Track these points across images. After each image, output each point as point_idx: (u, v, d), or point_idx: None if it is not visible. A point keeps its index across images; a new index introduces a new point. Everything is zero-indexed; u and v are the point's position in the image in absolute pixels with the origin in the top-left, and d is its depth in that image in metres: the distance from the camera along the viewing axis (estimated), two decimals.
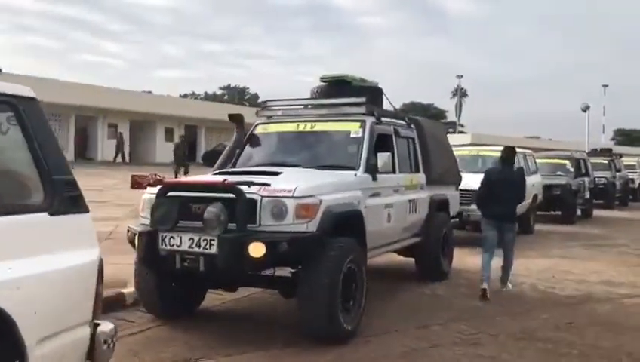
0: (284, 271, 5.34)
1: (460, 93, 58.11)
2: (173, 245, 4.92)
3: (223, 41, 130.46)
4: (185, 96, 67.45)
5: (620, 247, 12.11)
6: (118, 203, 14.44)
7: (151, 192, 5.28)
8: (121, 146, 34.90)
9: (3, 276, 2.47)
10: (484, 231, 7.48)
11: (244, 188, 4.81)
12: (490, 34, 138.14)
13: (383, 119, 6.78)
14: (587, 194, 17.58)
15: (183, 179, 5.39)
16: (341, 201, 5.37)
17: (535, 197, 13.74)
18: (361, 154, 6.18)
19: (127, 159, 35.15)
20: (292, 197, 4.89)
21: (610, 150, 27.65)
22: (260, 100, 54.12)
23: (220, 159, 6.77)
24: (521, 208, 9.04)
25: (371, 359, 4.92)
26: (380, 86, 7.59)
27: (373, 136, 6.41)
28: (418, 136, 7.81)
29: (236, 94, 73.28)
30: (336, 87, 7.16)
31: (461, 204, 9.88)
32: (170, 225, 4.92)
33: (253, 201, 4.89)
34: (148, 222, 5.14)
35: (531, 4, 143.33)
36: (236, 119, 6.91)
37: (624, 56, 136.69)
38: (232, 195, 4.82)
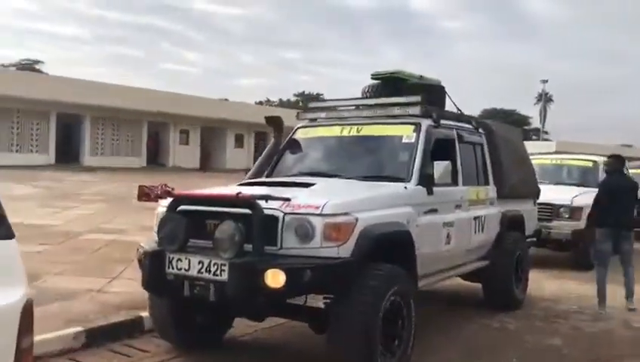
0: (317, 301, 4.45)
1: (544, 98, 55.07)
2: (181, 269, 4.15)
3: (298, 48, 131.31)
4: (260, 103, 67.87)
5: None
6: None
7: (164, 206, 4.54)
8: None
9: None
10: (598, 244, 7.15)
11: (261, 203, 3.98)
12: (576, 36, 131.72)
13: (442, 122, 5.79)
14: None
15: (196, 191, 4.57)
16: (384, 220, 4.44)
17: None
18: (413, 162, 5.22)
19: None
20: (320, 214, 4.01)
21: None
22: None
23: (254, 167, 5.99)
24: None
25: None
26: (442, 84, 6.58)
27: (429, 141, 5.42)
28: (487, 142, 6.74)
29: (310, 101, 73.02)
30: (391, 85, 6.21)
31: (540, 219, 8.68)
32: (178, 244, 4.15)
33: (273, 219, 4.05)
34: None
35: (619, 3, 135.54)
36: (274, 122, 6.11)
37: None
38: (248, 211, 4.00)
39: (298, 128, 6.16)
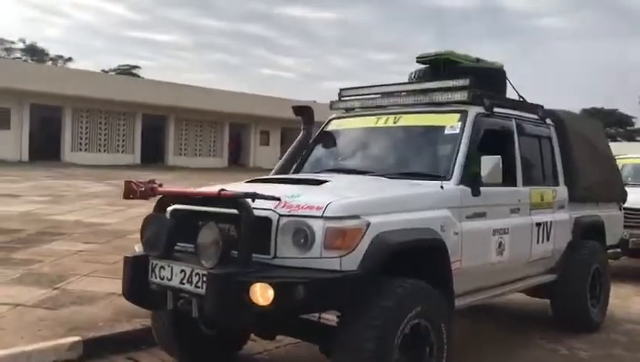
0: (331, 318, 3.74)
1: None
2: (163, 278, 3.58)
3: (391, 50, 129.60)
4: None
5: None
6: None
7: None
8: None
9: None
10: None
11: (255, 202, 3.32)
12: None
13: (497, 111, 4.90)
14: None
15: (179, 188, 3.97)
16: (408, 225, 3.65)
17: None
18: (456, 157, 4.38)
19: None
20: (322, 217, 3.30)
21: None
22: None
23: (279, 163, 5.34)
24: None
25: None
26: (504, 69, 5.66)
27: (478, 132, 4.56)
28: (558, 135, 5.75)
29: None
30: (440, 69, 5.37)
31: (629, 227, 7.51)
32: (161, 249, 3.57)
33: (266, 221, 3.38)
34: None
35: None
36: (303, 113, 5.44)
37: None
38: (235, 212, 3.35)
39: (331, 119, 5.45)
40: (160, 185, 3.75)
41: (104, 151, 30.64)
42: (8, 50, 55.53)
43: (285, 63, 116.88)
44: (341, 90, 5.51)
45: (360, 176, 4.51)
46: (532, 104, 5.63)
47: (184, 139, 33.96)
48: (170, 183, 20.83)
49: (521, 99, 5.57)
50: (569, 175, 5.73)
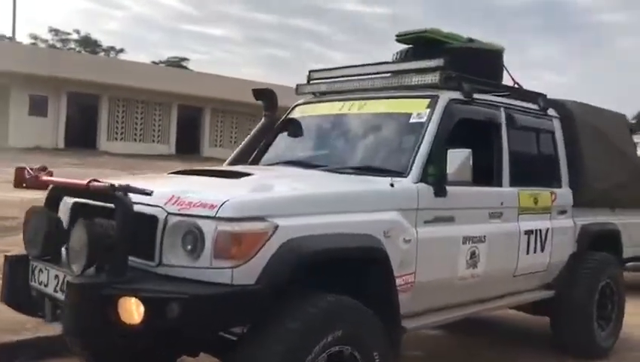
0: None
1: None
2: (41, 283, 3.03)
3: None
4: None
5: None
6: None
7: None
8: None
9: None
10: None
11: (155, 198, 2.73)
12: None
13: (480, 97, 4.17)
14: None
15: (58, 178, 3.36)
16: (336, 230, 2.99)
17: None
18: (416, 150, 3.68)
19: None
20: (214, 217, 2.68)
21: None
22: None
23: (235, 152, 4.74)
24: None
25: None
26: (501, 50, 4.87)
27: (450, 121, 3.84)
28: (564, 129, 4.95)
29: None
30: (426, 49, 4.63)
31: None
32: (39, 249, 3.02)
33: (153, 220, 2.78)
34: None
35: None
36: (264, 97, 4.81)
37: None
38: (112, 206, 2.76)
39: (296, 105, 4.81)
40: (48, 173, 3.19)
41: (139, 140, 30.70)
42: (64, 41, 56.69)
43: (336, 58, 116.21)
44: (310, 72, 4.85)
45: (303, 171, 3.88)
46: (531, 92, 4.84)
47: (219, 131, 33.77)
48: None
49: (517, 86, 4.79)
50: (575, 176, 4.93)
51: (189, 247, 2.70)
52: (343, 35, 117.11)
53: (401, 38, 4.72)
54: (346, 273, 3.11)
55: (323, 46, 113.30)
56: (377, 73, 4.40)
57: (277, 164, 4.30)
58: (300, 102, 4.81)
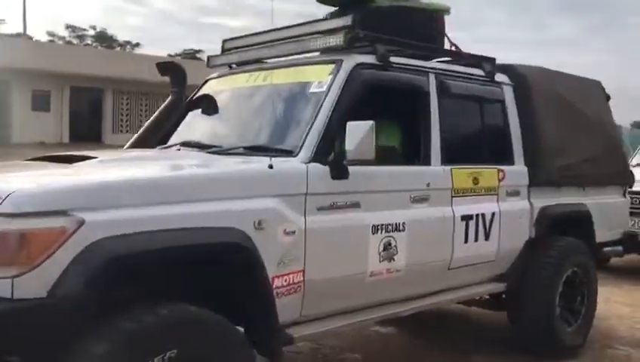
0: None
1: None
2: None
3: (462, 29, 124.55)
4: None
5: None
6: None
7: None
8: None
9: None
10: None
11: None
12: None
13: (401, 62, 3.57)
14: None
15: None
16: (179, 223, 2.43)
17: None
18: (310, 125, 3.10)
19: None
20: None
21: None
22: None
23: (138, 133, 4.20)
24: None
25: None
26: (444, 11, 4.23)
27: (356, 90, 3.25)
28: (518, 98, 4.31)
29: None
30: (355, 12, 4.01)
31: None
32: None
33: None
34: None
35: None
36: (171, 71, 4.25)
37: None
38: None
39: (207, 80, 4.25)
40: None
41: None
42: (80, 37, 56.54)
43: None
44: (224, 41, 4.28)
45: (180, 153, 3.35)
46: (476, 56, 4.21)
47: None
48: None
49: (455, 49, 4.16)
50: (532, 151, 4.30)
51: None
52: None
53: None
54: (203, 275, 2.57)
55: None
56: (288, 38, 3.81)
57: (174, 146, 3.75)
58: (212, 76, 4.25)
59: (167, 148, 3.75)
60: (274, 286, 2.75)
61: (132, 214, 2.32)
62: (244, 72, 3.92)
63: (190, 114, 4.13)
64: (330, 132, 3.08)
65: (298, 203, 2.88)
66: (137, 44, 58.37)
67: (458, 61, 4.15)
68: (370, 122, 2.98)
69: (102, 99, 28.88)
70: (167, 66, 4.26)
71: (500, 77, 4.25)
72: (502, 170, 4.07)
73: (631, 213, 5.63)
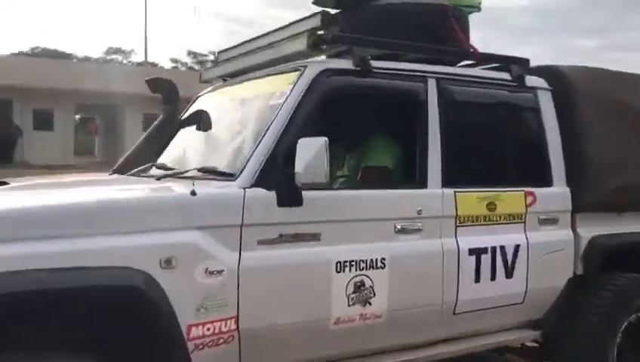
0: None
1: None
2: None
3: (594, 36, 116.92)
4: None
5: None
6: None
7: None
8: None
9: None
10: None
11: None
12: None
13: (385, 66, 3.01)
14: None
15: None
16: (40, 264, 2.04)
17: None
18: (258, 143, 2.63)
19: None
20: None
21: None
22: None
23: (127, 153, 3.90)
24: None
25: None
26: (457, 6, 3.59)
27: (318, 101, 2.74)
28: (560, 104, 3.56)
29: None
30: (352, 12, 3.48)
31: None
32: None
33: None
34: None
35: None
36: (162, 89, 3.93)
37: None
38: None
39: (198, 96, 3.90)
40: None
41: None
42: (201, 62, 58.85)
43: None
44: (219, 53, 3.93)
45: (114, 177, 3.10)
46: (496, 56, 3.53)
47: None
48: None
49: (473, 49, 3.49)
50: (579, 168, 3.52)
51: None
52: (483, 30, 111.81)
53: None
54: (103, 321, 2.18)
55: None
56: (267, 45, 3.36)
57: (152, 168, 3.42)
58: (205, 91, 3.90)
59: (142, 170, 3.42)
60: (190, 336, 2.30)
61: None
62: (224, 86, 3.54)
63: (180, 132, 3.80)
64: (281, 151, 2.59)
65: (230, 236, 2.42)
66: None
67: (480, 64, 3.51)
68: (323, 139, 2.46)
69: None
70: (159, 83, 3.96)
71: (533, 81, 3.53)
72: (532, 193, 3.34)
73: None
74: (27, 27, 79.63)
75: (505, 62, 3.50)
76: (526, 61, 3.57)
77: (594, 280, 3.51)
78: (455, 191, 3.05)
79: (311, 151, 2.45)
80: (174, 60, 52.54)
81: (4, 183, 2.63)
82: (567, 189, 3.48)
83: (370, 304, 2.74)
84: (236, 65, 3.54)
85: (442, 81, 3.15)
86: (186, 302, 2.27)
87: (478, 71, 3.39)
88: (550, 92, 3.57)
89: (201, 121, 3.49)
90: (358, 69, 2.88)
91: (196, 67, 58.33)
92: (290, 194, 2.52)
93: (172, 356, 2.23)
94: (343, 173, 3.42)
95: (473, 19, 3.68)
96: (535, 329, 3.42)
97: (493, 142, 3.38)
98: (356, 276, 2.70)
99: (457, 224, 3.05)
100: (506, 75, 3.45)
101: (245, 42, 3.68)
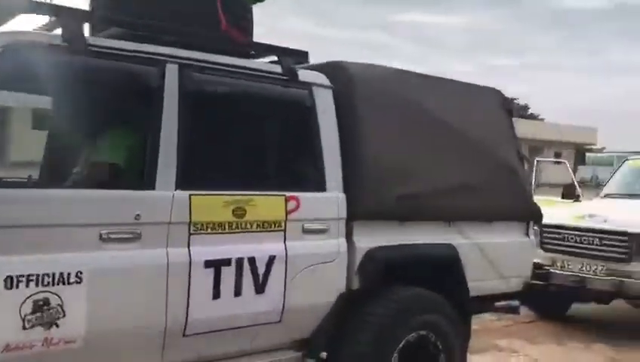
0: None
1: None
2: None
3: (511, 55, 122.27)
4: None
5: None
6: None
7: None
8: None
9: None
10: None
11: None
12: None
13: (112, 45, 2.58)
14: None
15: None
16: None
17: None
18: None
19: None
20: None
21: None
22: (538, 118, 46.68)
23: None
24: None
25: None
26: None
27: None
28: (342, 104, 3.25)
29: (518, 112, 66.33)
30: None
31: (608, 259, 5.08)
32: None
33: None
34: None
35: None
36: None
37: None
38: None
39: None
40: None
41: None
42: None
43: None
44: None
45: None
46: (268, 46, 3.18)
47: None
48: None
49: (234, 36, 3.11)
50: (357, 173, 3.22)
51: None
52: (411, 46, 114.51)
53: None
54: None
55: (392, 58, 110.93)
56: None
57: None
58: None
59: None
60: None
61: None
62: None
63: None
64: None
65: None
66: None
67: (256, 57, 3.16)
68: None
69: None
70: None
71: (309, 76, 3.21)
72: (294, 198, 2.99)
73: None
74: None
75: (277, 54, 3.16)
76: (303, 53, 3.24)
77: (371, 295, 3.22)
78: (190, 194, 2.65)
79: None
80: None
81: None
82: (342, 195, 3.17)
83: (57, 326, 2.28)
84: None
85: (187, 68, 2.75)
86: None
87: (240, 61, 3.01)
88: (331, 89, 3.25)
89: None
90: (65, 44, 2.43)
91: None
92: None
93: None
94: (79, 170, 2.96)
95: None
96: (298, 351, 3.07)
97: (250, 141, 3.02)
98: (37, 293, 2.24)
99: (191, 232, 2.64)
100: (277, 68, 3.11)
101: None
